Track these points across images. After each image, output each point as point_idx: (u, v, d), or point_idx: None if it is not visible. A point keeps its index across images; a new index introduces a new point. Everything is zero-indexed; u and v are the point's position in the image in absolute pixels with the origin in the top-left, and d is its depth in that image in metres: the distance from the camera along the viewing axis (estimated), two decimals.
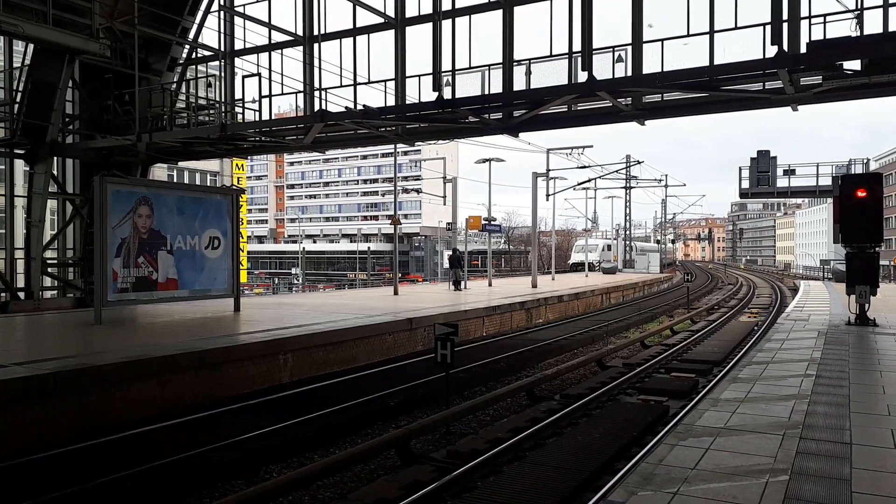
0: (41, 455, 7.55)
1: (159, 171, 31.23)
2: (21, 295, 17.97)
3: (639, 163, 49.22)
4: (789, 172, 31.35)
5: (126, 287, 13.68)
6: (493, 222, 30.16)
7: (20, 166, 19.69)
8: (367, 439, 8.92)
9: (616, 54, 14.92)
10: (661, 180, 60.67)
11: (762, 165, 31.10)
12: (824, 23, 12.66)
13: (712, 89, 13.90)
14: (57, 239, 20.03)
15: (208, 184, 37.77)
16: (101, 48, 16.35)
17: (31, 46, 17.43)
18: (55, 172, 18.92)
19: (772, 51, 12.88)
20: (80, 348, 10.34)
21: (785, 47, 12.79)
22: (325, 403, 10.16)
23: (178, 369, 9.87)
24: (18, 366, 8.74)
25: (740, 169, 31.80)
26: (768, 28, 13.26)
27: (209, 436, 8.53)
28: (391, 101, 17.19)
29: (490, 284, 28.89)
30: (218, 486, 7.35)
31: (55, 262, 19.70)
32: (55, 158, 18.68)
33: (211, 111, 19.27)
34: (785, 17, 13.12)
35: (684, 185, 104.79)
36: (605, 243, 60.23)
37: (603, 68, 14.88)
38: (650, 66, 14.42)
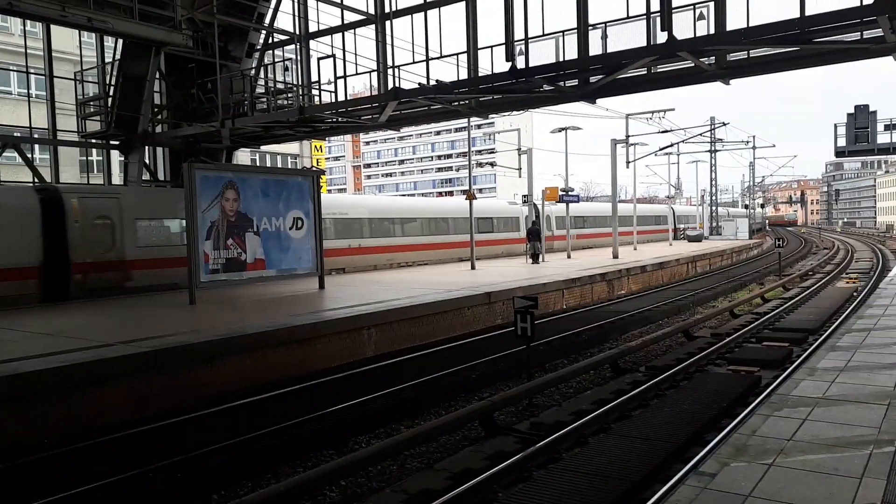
0: (146, 427, 8.06)
1: (243, 156, 32.35)
2: None
3: (724, 124, 47.21)
4: (891, 127, 29.14)
5: (217, 268, 14.32)
6: (570, 193, 29.64)
7: (115, 156, 20.83)
8: (451, 411, 9.04)
9: (697, 11, 14.19)
10: (748, 142, 57.80)
11: (860, 121, 29.03)
12: None
13: (804, 42, 13.02)
14: None
15: (289, 166, 38.83)
16: (184, 39, 16.95)
17: (119, 42, 18.30)
18: (147, 161, 19.91)
19: None
20: (178, 327, 10.92)
21: None
22: (408, 376, 10.36)
23: (270, 345, 10.28)
24: (123, 344, 9.33)
25: (836, 126, 29.79)
26: None
27: (300, 408, 8.87)
28: (463, 75, 17.02)
29: (569, 256, 28.50)
30: (310, 455, 7.64)
31: None
32: (146, 148, 19.63)
33: (289, 94, 19.71)
34: None
35: (773, 146, 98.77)
36: None
37: (683, 27, 14.18)
38: (734, 21, 13.65)
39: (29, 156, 18.51)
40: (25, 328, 11.14)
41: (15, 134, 19.37)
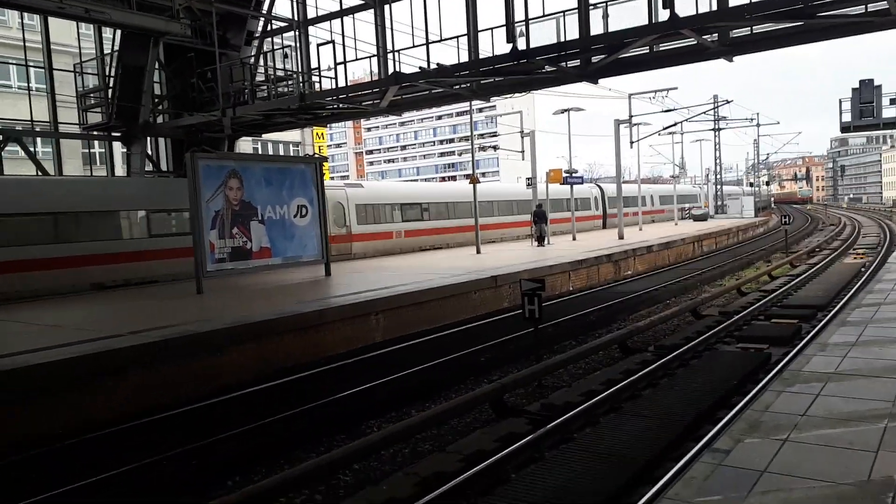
0: (159, 416, 8.09)
1: (244, 145, 32.24)
2: None
3: (727, 102, 46.80)
4: None
5: (223, 257, 14.31)
6: (574, 174, 29.51)
7: (118, 148, 20.78)
8: (461, 394, 9.05)
9: None
10: (752, 119, 57.52)
11: (865, 96, 28.75)
12: None
13: (807, 17, 12.87)
14: None
15: (291, 154, 38.76)
16: (182, 28, 16.86)
17: (118, 32, 18.19)
18: (149, 152, 19.87)
19: None
20: (186, 317, 10.93)
21: None
22: (417, 361, 10.37)
23: (278, 332, 10.29)
24: (132, 334, 9.34)
25: (840, 101, 29.51)
26: None
27: (311, 394, 8.88)
28: (464, 58, 16.87)
29: (574, 238, 28.44)
30: (323, 441, 7.67)
31: None
32: (148, 138, 19.59)
33: (289, 82, 19.61)
34: None
35: (778, 123, 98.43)
36: None
37: (686, 4, 14.00)
38: None
39: (31, 149, 18.48)
40: (32, 320, 11.17)
41: (17, 128, 19.31)
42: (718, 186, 59.63)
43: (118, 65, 18.21)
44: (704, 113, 43.26)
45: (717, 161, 60.52)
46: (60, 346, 8.61)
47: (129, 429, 7.75)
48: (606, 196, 38.32)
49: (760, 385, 7.80)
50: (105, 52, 19.44)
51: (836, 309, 12.62)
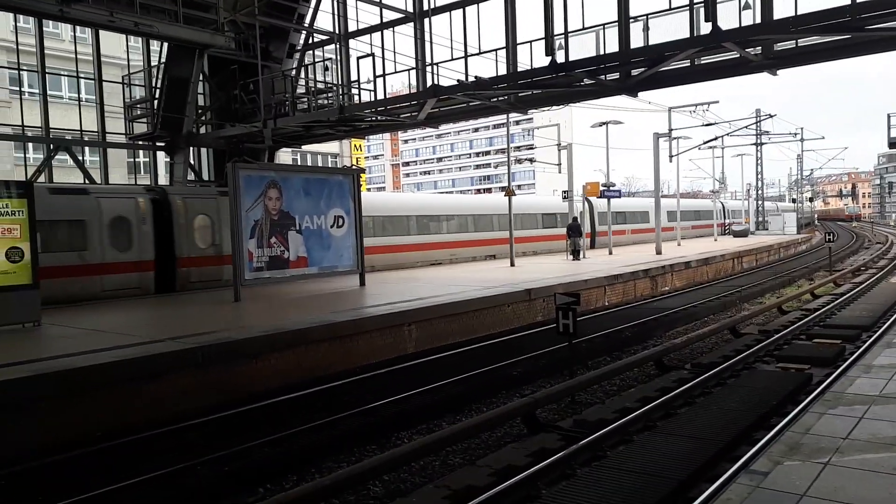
0: (193, 422, 8.22)
1: (284, 156, 32.79)
2: None
3: (770, 116, 45.92)
4: None
5: (261, 266, 14.54)
6: (611, 188, 29.23)
7: (161, 157, 21.33)
8: (493, 408, 9.00)
9: (742, 1, 13.85)
10: (796, 134, 56.19)
11: None
12: None
13: (855, 30, 12.59)
14: None
15: (329, 165, 39.24)
16: (227, 41, 17.30)
17: (165, 45, 18.74)
18: (192, 161, 20.34)
19: None
20: (225, 324, 11.11)
21: None
22: (449, 373, 10.35)
23: (313, 341, 10.39)
24: (171, 340, 9.54)
25: (889, 116, 28.77)
26: None
27: (343, 404, 8.94)
28: (502, 70, 16.94)
29: (611, 253, 28.14)
30: (353, 450, 7.70)
31: None
32: (191, 148, 20.07)
33: (329, 94, 19.92)
34: None
35: (823, 137, 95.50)
36: None
37: (728, 17, 13.85)
38: (782, 10, 13.27)
39: (80, 158, 19.08)
40: (78, 325, 11.49)
41: (66, 137, 19.97)
42: (759, 202, 58.40)
43: (164, 77, 18.74)
44: (746, 127, 42.53)
45: (759, 176, 59.31)
46: (103, 350, 8.83)
47: (165, 433, 7.90)
48: (596, 211, 32.82)
49: (801, 406, 7.60)
50: (152, 64, 20.03)
51: (881, 330, 12.22)
